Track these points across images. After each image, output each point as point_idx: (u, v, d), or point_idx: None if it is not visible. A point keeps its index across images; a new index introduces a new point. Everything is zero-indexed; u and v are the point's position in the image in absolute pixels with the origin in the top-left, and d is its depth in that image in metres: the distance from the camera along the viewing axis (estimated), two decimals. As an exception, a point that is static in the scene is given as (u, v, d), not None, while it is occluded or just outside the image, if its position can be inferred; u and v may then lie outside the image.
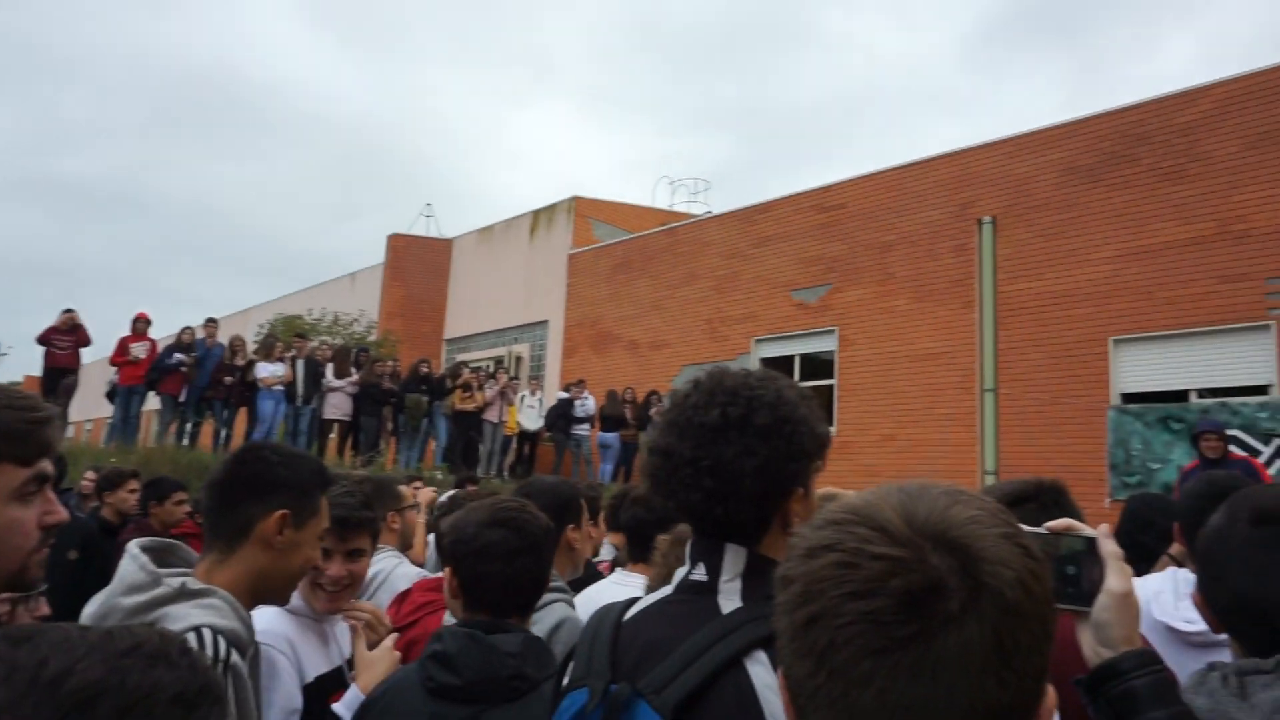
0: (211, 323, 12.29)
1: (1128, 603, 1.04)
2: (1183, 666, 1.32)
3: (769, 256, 13.33)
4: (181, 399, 11.58)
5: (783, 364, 12.95)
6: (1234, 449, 7.04)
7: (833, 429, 11.94)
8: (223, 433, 11.83)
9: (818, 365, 12.73)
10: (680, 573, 1.26)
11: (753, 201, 14.05)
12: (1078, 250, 10.18)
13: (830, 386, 12.30)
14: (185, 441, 11.64)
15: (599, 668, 1.18)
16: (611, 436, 13.23)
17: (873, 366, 11.78)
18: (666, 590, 1.28)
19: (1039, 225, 10.57)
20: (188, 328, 11.85)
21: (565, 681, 1.24)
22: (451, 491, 3.28)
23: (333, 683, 2.02)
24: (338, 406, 12.14)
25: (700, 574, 1.22)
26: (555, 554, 2.16)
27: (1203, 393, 9.26)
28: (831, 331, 12.36)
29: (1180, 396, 9.36)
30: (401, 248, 20.33)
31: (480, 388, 13.12)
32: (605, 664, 1.18)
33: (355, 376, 12.28)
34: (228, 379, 11.58)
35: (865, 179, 12.53)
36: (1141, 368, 9.66)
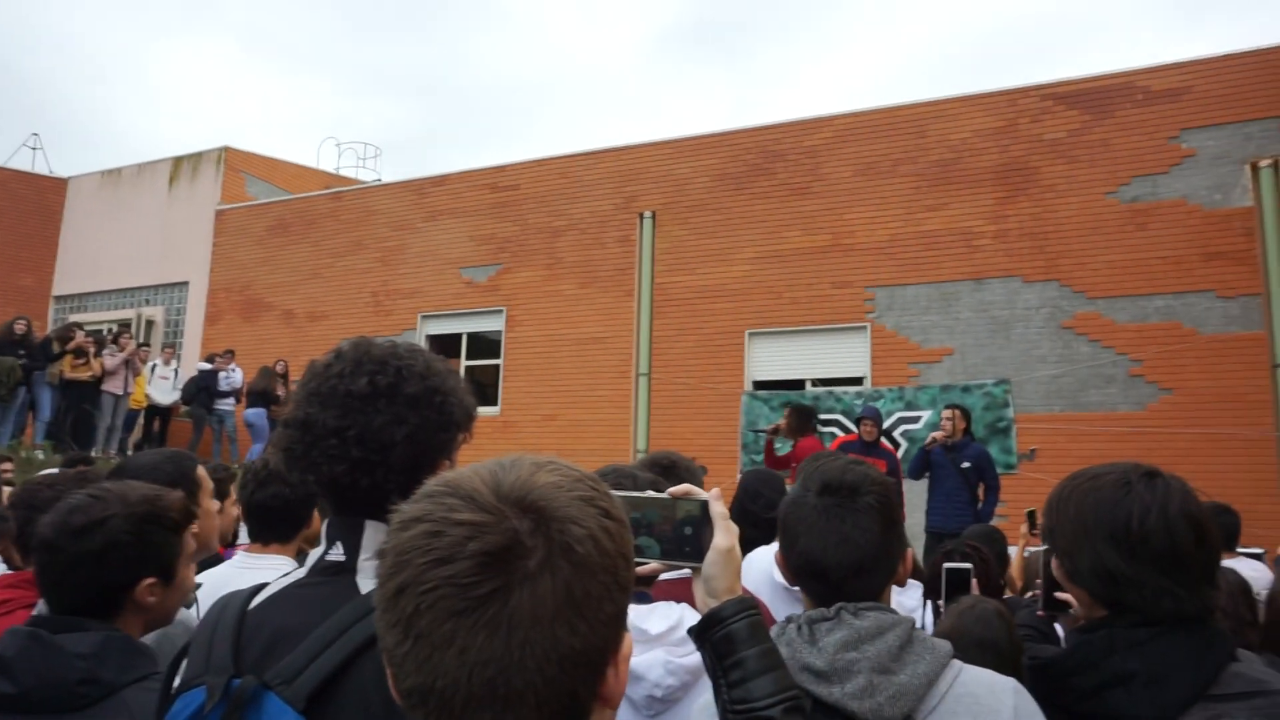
0: None
1: (730, 557, 1.15)
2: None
3: (440, 231, 13.05)
4: None
5: (450, 342, 12.79)
6: (885, 440, 8.08)
7: (497, 409, 12.02)
8: None
9: (485, 344, 12.73)
10: (315, 554, 1.20)
11: (426, 174, 13.64)
12: (724, 250, 11.19)
13: (496, 366, 12.37)
14: None
15: (219, 662, 1.07)
16: (258, 413, 12.09)
17: (538, 348, 12.03)
18: (299, 573, 1.20)
19: (693, 224, 11.45)
20: None
21: (177, 683, 1.11)
22: (51, 470, 2.73)
23: None
24: (-105, 371, 9.79)
25: (338, 553, 1.16)
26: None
27: (815, 382, 10.67)
28: (499, 312, 12.41)
29: (798, 385, 10.70)
30: (-4, 183, 16.86)
31: (98, 354, 11.33)
32: (227, 657, 1.08)
33: (-78, 335, 9.99)
34: None
35: (539, 163, 12.69)
36: (769, 358, 10.89)
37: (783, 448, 7.37)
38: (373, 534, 1.16)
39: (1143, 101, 9.50)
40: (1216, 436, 8.51)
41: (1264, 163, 8.85)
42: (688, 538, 1.15)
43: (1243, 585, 2.37)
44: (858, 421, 7.82)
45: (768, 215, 11.03)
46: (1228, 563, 3.42)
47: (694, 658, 1.65)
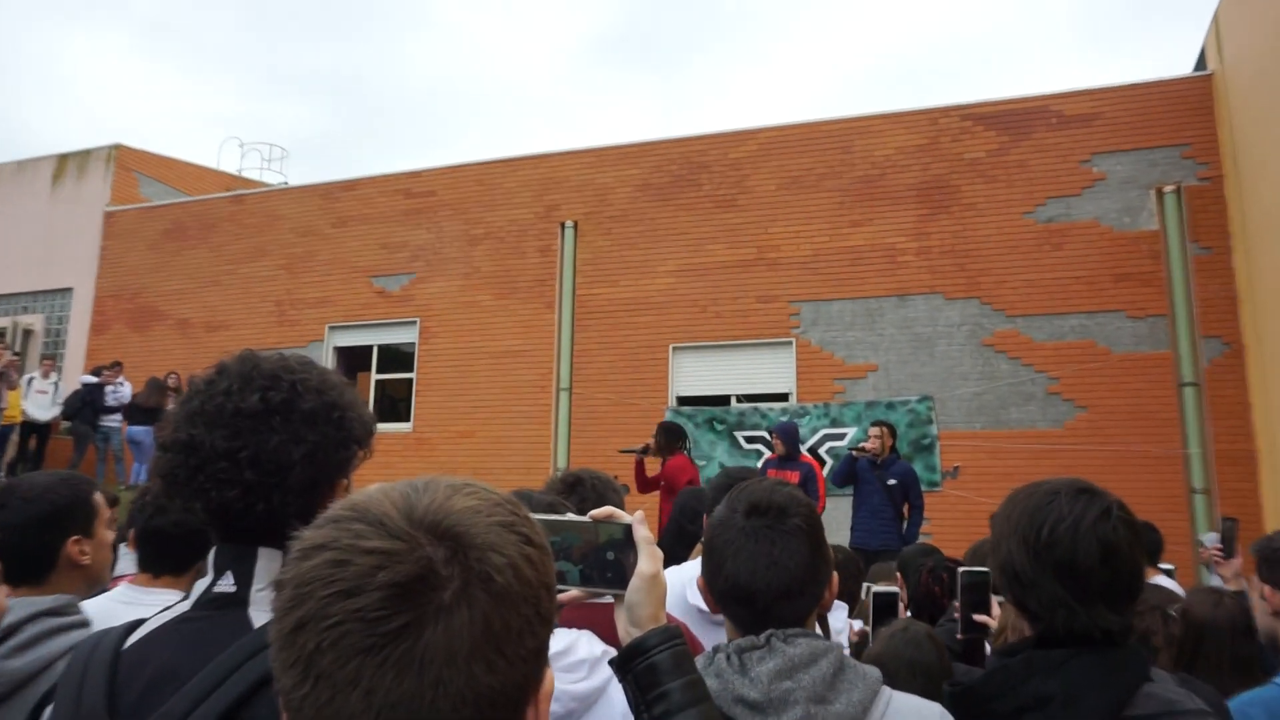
0: None
1: (655, 583, 1.13)
2: (711, 642, 1.51)
3: (350, 238, 12.78)
4: None
5: (360, 354, 12.54)
6: (805, 451, 8.24)
7: (410, 425, 11.79)
8: None
9: (397, 357, 12.52)
10: (200, 585, 1.14)
11: (336, 178, 13.34)
12: (647, 262, 11.25)
13: (409, 380, 12.16)
14: None
15: (91, 708, 1.01)
16: (144, 430, 11.51)
17: (453, 361, 11.86)
18: (182, 607, 1.14)
19: (616, 234, 11.48)
20: None
21: None
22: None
23: None
24: None
25: (227, 584, 1.12)
26: (53, 575, 1.81)
27: (740, 398, 10.77)
28: (413, 323, 12.20)
29: (723, 400, 10.79)
30: None
31: (-33, 365, 10.67)
32: (100, 703, 1.02)
33: None
34: None
35: (456, 169, 12.57)
36: (694, 373, 10.97)
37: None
38: (266, 562, 1.13)
39: (1057, 125, 9.95)
40: (1128, 454, 8.92)
41: (1168, 188, 9.38)
42: (610, 563, 1.13)
43: (1167, 602, 2.46)
44: (769, 434, 7.99)
45: (692, 227, 11.14)
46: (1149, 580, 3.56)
47: (584, 685, 1.63)
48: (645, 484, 7.28)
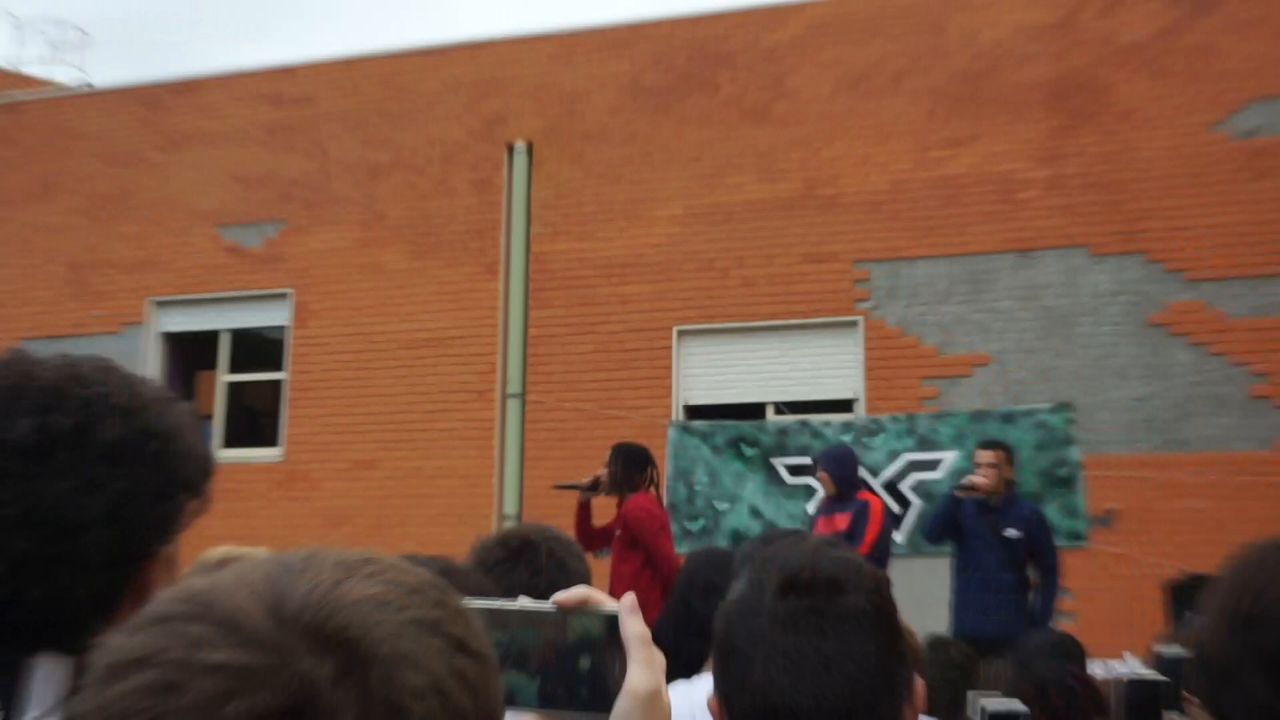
0: None
1: (654, 706, 1.11)
2: None
3: (185, 168, 12.80)
4: None
5: (201, 344, 12.62)
6: (870, 481, 8.27)
7: (279, 450, 11.75)
8: None
9: (259, 348, 12.54)
10: None
11: (164, 77, 13.32)
12: (638, 203, 11.24)
13: (277, 383, 12.18)
14: None
15: None
16: None
17: (346, 354, 11.87)
18: None
19: (590, 161, 11.49)
20: None
21: None
22: None
23: None
24: None
25: None
26: None
27: (781, 407, 10.68)
28: (284, 296, 12.25)
29: (756, 411, 10.68)
30: None
31: None
32: None
33: None
34: None
35: (348, 64, 12.68)
36: (710, 371, 10.94)
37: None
38: (48, 679, 1.15)
39: (1261, -11, 9.89)
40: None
41: None
42: (584, 675, 1.12)
43: None
44: (814, 463, 7.99)
45: (706, 150, 11.14)
46: None
47: None
48: (591, 536, 7.36)
